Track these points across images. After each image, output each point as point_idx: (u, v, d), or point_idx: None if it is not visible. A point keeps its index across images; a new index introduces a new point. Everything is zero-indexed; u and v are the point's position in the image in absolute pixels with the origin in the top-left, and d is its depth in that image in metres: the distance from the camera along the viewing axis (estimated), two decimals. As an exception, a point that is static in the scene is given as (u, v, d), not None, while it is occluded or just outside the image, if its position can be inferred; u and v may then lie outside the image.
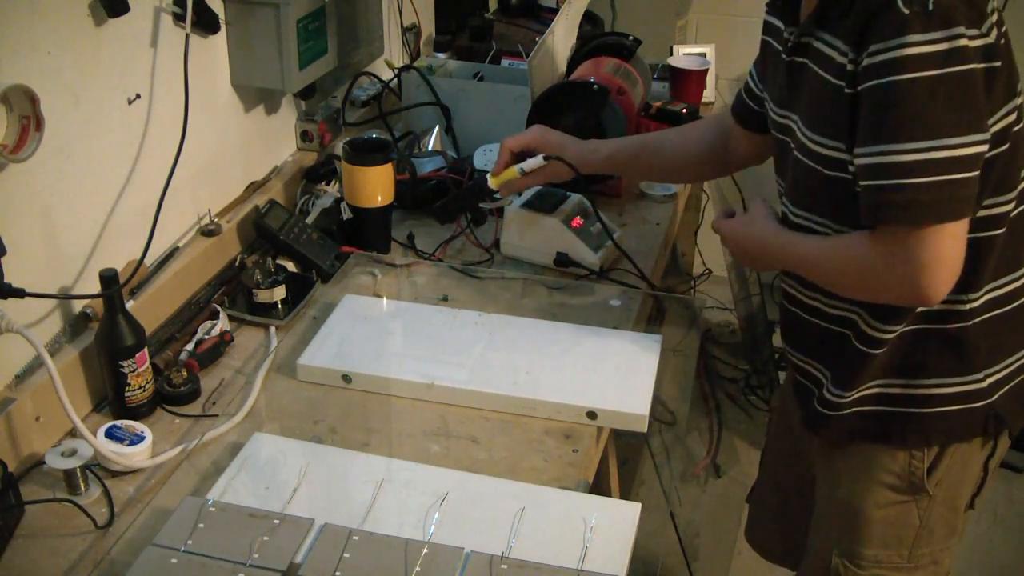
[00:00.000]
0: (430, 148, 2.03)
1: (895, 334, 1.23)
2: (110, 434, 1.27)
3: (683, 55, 2.50)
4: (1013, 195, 1.19)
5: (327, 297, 1.65)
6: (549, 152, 1.55)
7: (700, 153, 1.56)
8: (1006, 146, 1.14)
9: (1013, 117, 1.14)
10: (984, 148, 1.07)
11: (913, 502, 1.33)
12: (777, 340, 2.50)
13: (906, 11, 1.03)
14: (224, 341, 1.50)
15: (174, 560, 1.06)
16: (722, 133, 1.53)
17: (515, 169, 1.61)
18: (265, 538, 1.09)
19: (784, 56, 1.24)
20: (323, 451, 1.29)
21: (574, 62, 2.15)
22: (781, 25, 1.27)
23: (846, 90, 1.10)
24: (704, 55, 2.55)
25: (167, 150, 1.49)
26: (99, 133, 1.39)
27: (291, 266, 1.69)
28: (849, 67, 1.09)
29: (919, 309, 1.22)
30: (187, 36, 1.49)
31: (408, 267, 1.76)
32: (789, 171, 1.28)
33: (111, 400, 1.36)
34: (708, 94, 2.54)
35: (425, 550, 1.09)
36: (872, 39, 1.06)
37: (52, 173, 1.31)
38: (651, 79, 2.27)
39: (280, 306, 1.59)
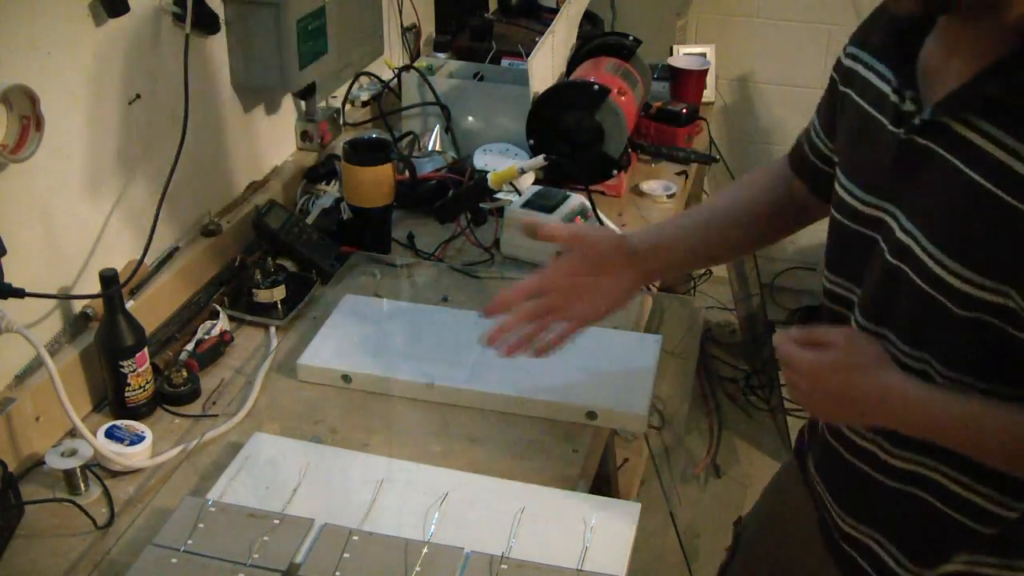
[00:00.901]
0: (430, 148, 2.03)
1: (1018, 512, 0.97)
2: (110, 434, 1.27)
3: (683, 55, 2.50)
4: None
5: (327, 297, 1.65)
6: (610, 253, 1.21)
7: (769, 209, 1.24)
8: None
9: None
10: None
11: None
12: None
13: None
14: (224, 341, 1.50)
15: (174, 560, 1.06)
16: (785, 185, 1.24)
17: (515, 168, 1.61)
18: (265, 538, 1.09)
19: (897, 131, 0.94)
20: (323, 451, 1.29)
21: (574, 62, 2.15)
22: (887, 81, 0.97)
23: None
24: (704, 55, 2.55)
25: (167, 150, 1.49)
26: (99, 133, 1.39)
27: (291, 266, 1.69)
28: None
29: None
30: (187, 36, 1.49)
31: (408, 267, 1.76)
32: (874, 283, 0.98)
33: (111, 400, 1.36)
34: (708, 94, 2.54)
35: (425, 550, 1.09)
36: None
37: (52, 173, 1.31)
38: (651, 79, 2.27)
39: (280, 306, 1.59)
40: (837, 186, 1.04)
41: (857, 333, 0.98)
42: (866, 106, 1.00)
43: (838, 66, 1.08)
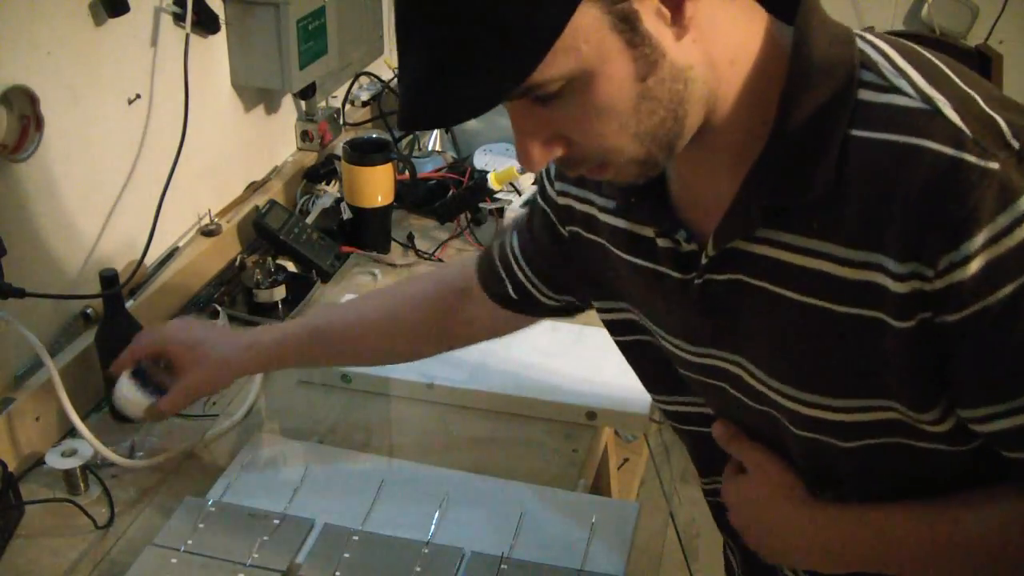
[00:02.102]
0: (430, 148, 2.03)
1: None
2: (137, 373, 1.18)
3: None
4: None
5: (327, 297, 1.65)
6: (182, 357, 1.15)
7: (415, 327, 1.17)
8: None
9: None
10: None
11: None
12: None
13: (994, 166, 0.64)
14: (224, 341, 1.50)
15: (174, 560, 1.06)
16: (448, 301, 1.15)
17: (515, 168, 1.60)
18: (265, 538, 1.09)
19: (688, 277, 0.81)
20: (323, 451, 1.29)
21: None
22: (642, 225, 0.84)
23: (894, 324, 0.69)
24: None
25: (167, 150, 1.49)
26: (99, 133, 1.39)
27: (291, 266, 1.69)
28: (895, 286, 0.68)
29: None
30: (187, 36, 1.49)
31: (408, 267, 1.76)
32: (751, 424, 0.86)
33: (111, 400, 1.35)
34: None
35: (425, 550, 1.09)
36: (950, 230, 0.65)
37: (52, 173, 1.31)
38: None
39: (280, 306, 1.59)
40: (660, 339, 0.91)
41: (771, 462, 0.85)
42: (632, 259, 0.86)
43: (549, 201, 0.96)
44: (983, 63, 2.41)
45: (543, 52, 0.64)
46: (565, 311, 1.09)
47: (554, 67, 0.66)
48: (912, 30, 2.86)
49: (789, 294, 0.74)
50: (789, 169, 0.71)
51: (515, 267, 1.05)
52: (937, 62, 0.72)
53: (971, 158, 0.65)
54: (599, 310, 0.99)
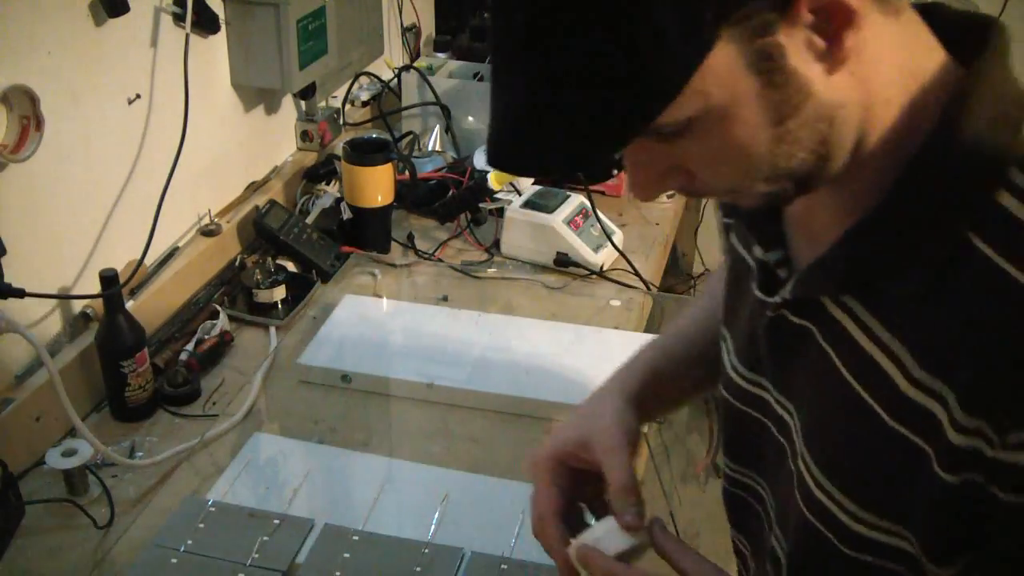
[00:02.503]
0: (430, 148, 2.03)
1: None
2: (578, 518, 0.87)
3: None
4: None
5: (327, 297, 1.65)
6: (595, 454, 0.86)
7: None
8: None
9: None
10: None
11: None
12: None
13: None
14: (224, 341, 1.50)
15: (174, 560, 1.06)
16: None
17: None
18: (265, 538, 1.09)
19: (766, 299, 0.74)
20: (323, 451, 1.29)
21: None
22: (752, 228, 0.76)
23: (938, 471, 0.60)
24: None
25: (167, 150, 1.49)
26: (99, 133, 1.39)
27: (291, 266, 1.69)
28: (952, 435, 0.59)
29: None
30: (187, 36, 1.49)
31: (408, 267, 1.76)
32: (779, 489, 0.78)
33: (111, 400, 1.36)
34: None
35: (425, 550, 1.09)
36: None
37: (52, 173, 1.31)
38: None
39: (280, 306, 1.59)
40: (724, 353, 0.84)
41: (689, 557, 0.75)
42: (740, 249, 0.81)
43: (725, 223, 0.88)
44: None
45: (668, 99, 0.57)
46: None
47: (678, 110, 0.58)
48: None
49: (849, 377, 0.67)
50: (890, 245, 0.63)
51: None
52: None
53: None
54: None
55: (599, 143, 0.59)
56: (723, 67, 0.57)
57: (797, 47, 0.57)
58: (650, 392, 0.93)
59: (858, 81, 0.60)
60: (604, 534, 0.79)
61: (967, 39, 0.63)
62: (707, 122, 0.59)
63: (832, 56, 0.58)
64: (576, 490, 0.87)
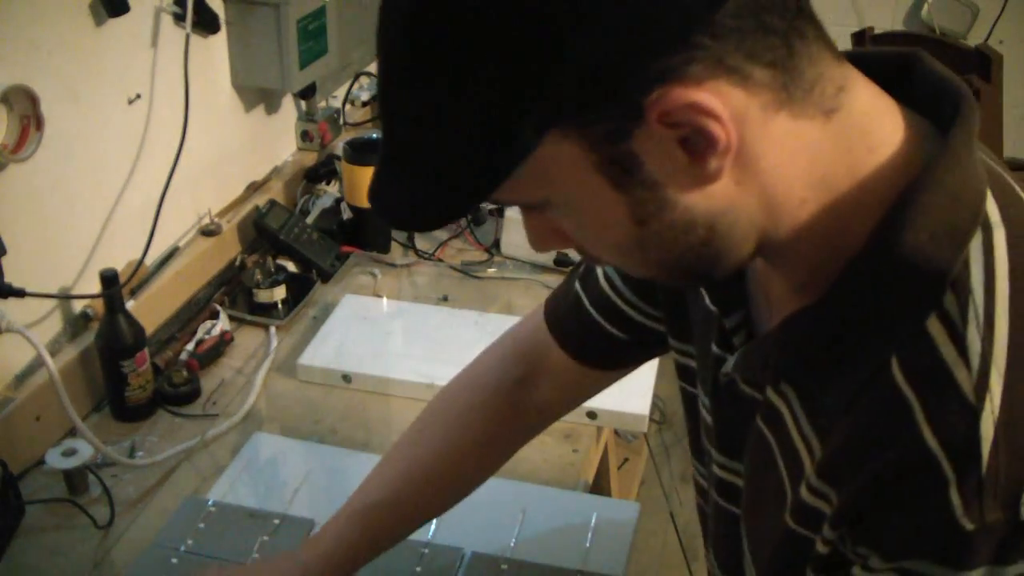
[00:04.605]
0: (430, 148, 2.03)
1: None
2: None
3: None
4: None
5: (327, 297, 1.65)
6: None
7: (478, 452, 0.99)
8: None
9: None
10: None
11: None
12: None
13: (970, 526, 0.52)
14: (224, 341, 1.50)
15: (174, 560, 1.07)
16: (506, 403, 0.99)
17: None
18: (265, 538, 1.09)
19: (719, 353, 0.71)
20: (323, 451, 1.29)
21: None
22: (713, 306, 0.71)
23: (819, 549, 0.61)
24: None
25: (167, 150, 1.49)
26: (99, 133, 1.39)
27: (291, 266, 1.69)
28: (828, 533, 0.60)
29: None
30: (187, 36, 1.49)
31: (408, 267, 1.76)
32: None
33: (111, 400, 1.36)
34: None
35: (425, 550, 1.09)
36: (891, 539, 0.56)
37: (52, 173, 1.31)
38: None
39: (280, 306, 1.59)
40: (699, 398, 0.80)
41: None
42: (703, 298, 0.74)
43: None
44: (983, 63, 2.41)
45: (496, 182, 0.54)
46: (654, 346, 0.89)
47: (519, 192, 0.56)
48: (912, 30, 2.86)
49: (779, 460, 0.65)
50: (819, 359, 0.60)
51: (608, 290, 0.86)
52: None
53: (966, 522, 0.52)
54: (674, 350, 0.83)
55: (443, 210, 0.58)
56: (565, 161, 0.54)
57: (656, 159, 0.53)
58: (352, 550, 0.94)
59: (749, 188, 0.56)
60: None
61: (943, 106, 0.59)
62: (561, 207, 0.58)
63: (699, 173, 0.54)
64: None
